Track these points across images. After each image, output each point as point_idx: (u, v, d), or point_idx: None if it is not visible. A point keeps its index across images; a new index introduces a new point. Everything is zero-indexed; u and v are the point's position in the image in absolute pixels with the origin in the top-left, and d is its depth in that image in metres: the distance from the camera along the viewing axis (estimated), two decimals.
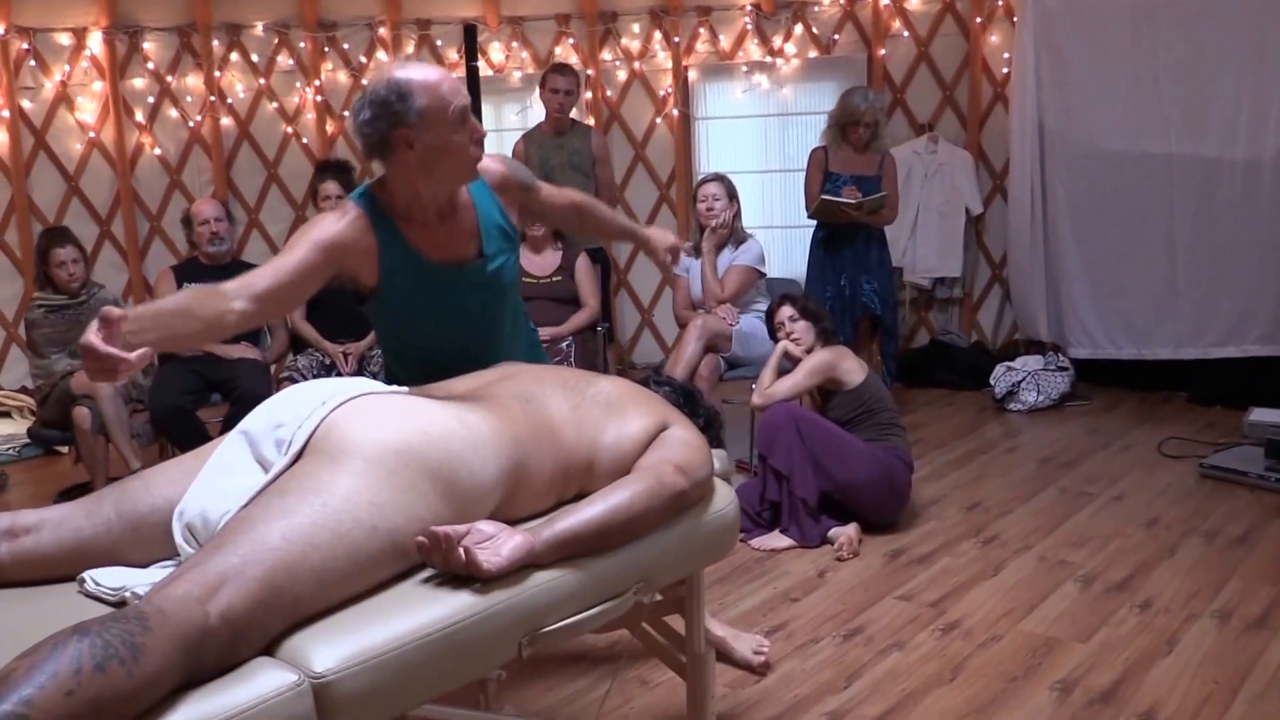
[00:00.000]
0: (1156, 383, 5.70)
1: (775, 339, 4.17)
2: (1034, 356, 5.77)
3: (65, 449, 4.94)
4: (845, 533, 3.73)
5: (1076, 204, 5.69)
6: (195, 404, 4.49)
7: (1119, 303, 5.65)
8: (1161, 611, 3.16)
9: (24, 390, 5.75)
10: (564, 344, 4.87)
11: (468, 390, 1.90)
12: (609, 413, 1.91)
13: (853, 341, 4.98)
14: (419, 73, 2.10)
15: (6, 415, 5.56)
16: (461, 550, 1.53)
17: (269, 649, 1.39)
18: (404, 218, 2.23)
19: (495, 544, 1.59)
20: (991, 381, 5.67)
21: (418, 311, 2.31)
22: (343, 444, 1.59)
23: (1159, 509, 4.01)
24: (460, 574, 1.54)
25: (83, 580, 1.59)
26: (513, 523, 1.69)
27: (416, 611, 1.49)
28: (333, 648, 1.39)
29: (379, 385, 1.83)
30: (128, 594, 1.51)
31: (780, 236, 6.51)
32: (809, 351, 4.06)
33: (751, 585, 3.50)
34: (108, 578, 1.58)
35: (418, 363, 2.34)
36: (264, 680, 1.31)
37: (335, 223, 2.18)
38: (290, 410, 1.71)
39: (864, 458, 3.77)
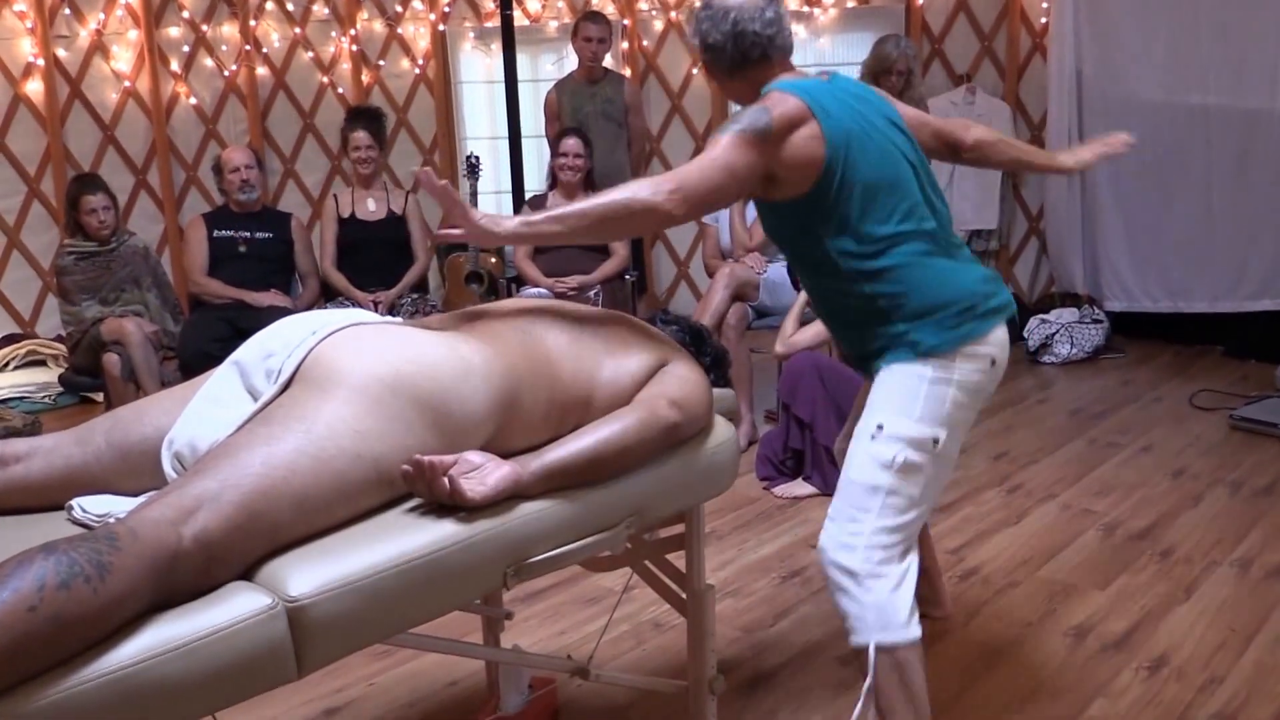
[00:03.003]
0: (1192, 336, 5.62)
1: (798, 289, 4.13)
2: (1069, 309, 5.69)
3: (97, 396, 5.02)
4: None
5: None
6: (224, 351, 4.46)
7: (1155, 255, 5.56)
8: (1182, 560, 3.12)
9: (59, 339, 5.85)
10: (592, 292, 4.86)
11: (466, 322, 1.89)
12: (609, 348, 1.89)
13: None
14: None
15: (42, 363, 5.63)
16: (446, 479, 1.52)
17: (247, 574, 1.39)
18: None
19: (481, 473, 1.58)
20: (1025, 334, 5.60)
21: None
22: (330, 372, 1.59)
23: (1186, 459, 3.96)
24: (446, 503, 1.54)
25: (71, 508, 1.60)
26: (507, 455, 1.67)
27: (398, 539, 1.48)
28: (310, 573, 1.38)
29: (371, 315, 1.82)
30: (112, 521, 1.52)
31: None
32: None
33: (772, 531, 3.50)
34: (95, 505, 1.58)
35: None
36: (237, 603, 1.31)
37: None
38: (281, 340, 1.70)
39: None
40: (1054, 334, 5.51)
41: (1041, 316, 5.66)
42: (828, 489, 3.74)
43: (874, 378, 2.08)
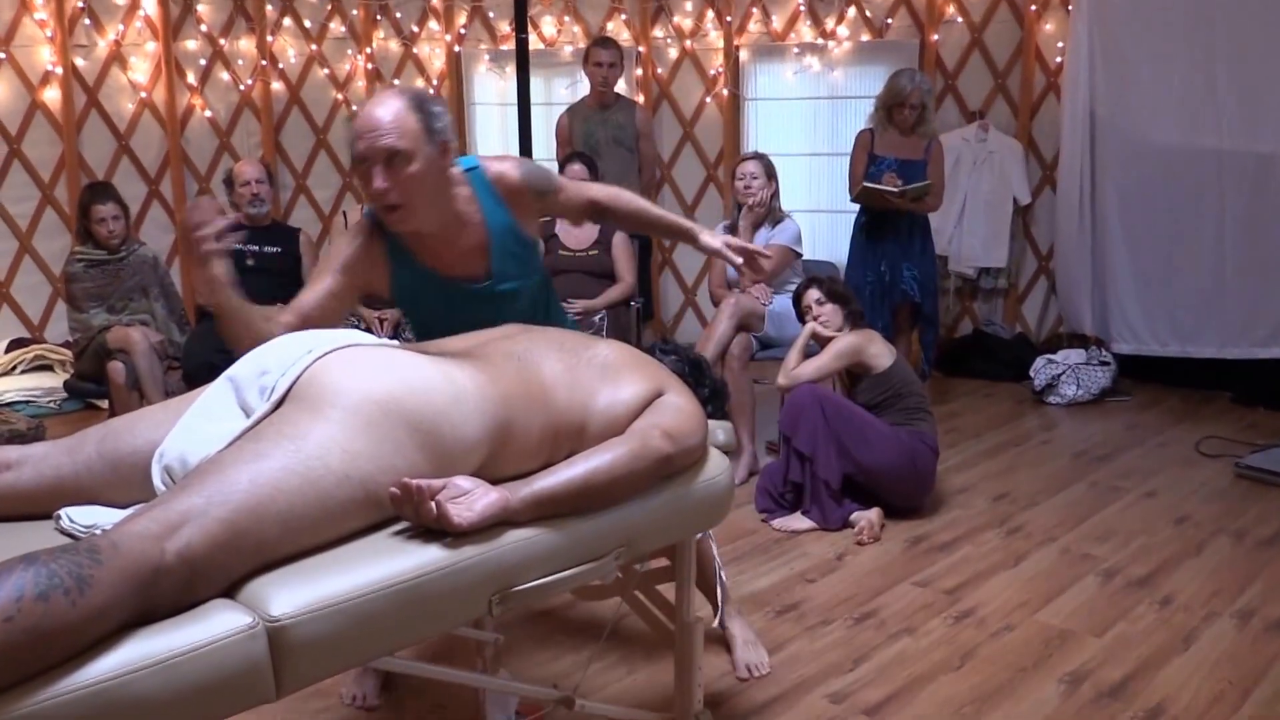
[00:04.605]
0: (1200, 381, 5.56)
1: (803, 321, 4.13)
2: (1076, 350, 5.66)
3: (102, 403, 5.02)
4: (867, 517, 3.69)
5: (1126, 197, 5.57)
6: (227, 362, 4.47)
7: (1165, 298, 5.53)
8: (1181, 609, 3.09)
9: (66, 345, 5.86)
10: (597, 318, 4.86)
11: (462, 347, 1.88)
12: (604, 376, 1.88)
13: (890, 329, 4.91)
14: (368, 103, 2.17)
15: (49, 368, 5.65)
16: (433, 503, 1.51)
17: (229, 591, 1.38)
18: (410, 235, 2.26)
19: (470, 499, 1.57)
20: (1031, 373, 5.57)
21: (432, 319, 2.34)
22: (323, 392, 1.58)
23: (1190, 507, 3.92)
24: (432, 527, 1.53)
25: (59, 517, 1.59)
26: (498, 481, 1.66)
27: (383, 562, 1.47)
28: (292, 593, 1.37)
29: (369, 337, 1.82)
30: (98, 532, 1.51)
31: (826, 220, 6.44)
32: (837, 333, 4.00)
33: (769, 565, 3.47)
34: (82, 516, 1.58)
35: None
36: (218, 621, 1.30)
37: (349, 245, 2.29)
38: (276, 358, 1.70)
39: (888, 441, 3.72)
40: (1060, 374, 5.48)
41: (1048, 356, 5.62)
42: (827, 523, 3.72)
43: None
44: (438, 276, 2.30)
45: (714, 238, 2.48)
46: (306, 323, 2.14)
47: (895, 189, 4.79)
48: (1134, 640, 2.90)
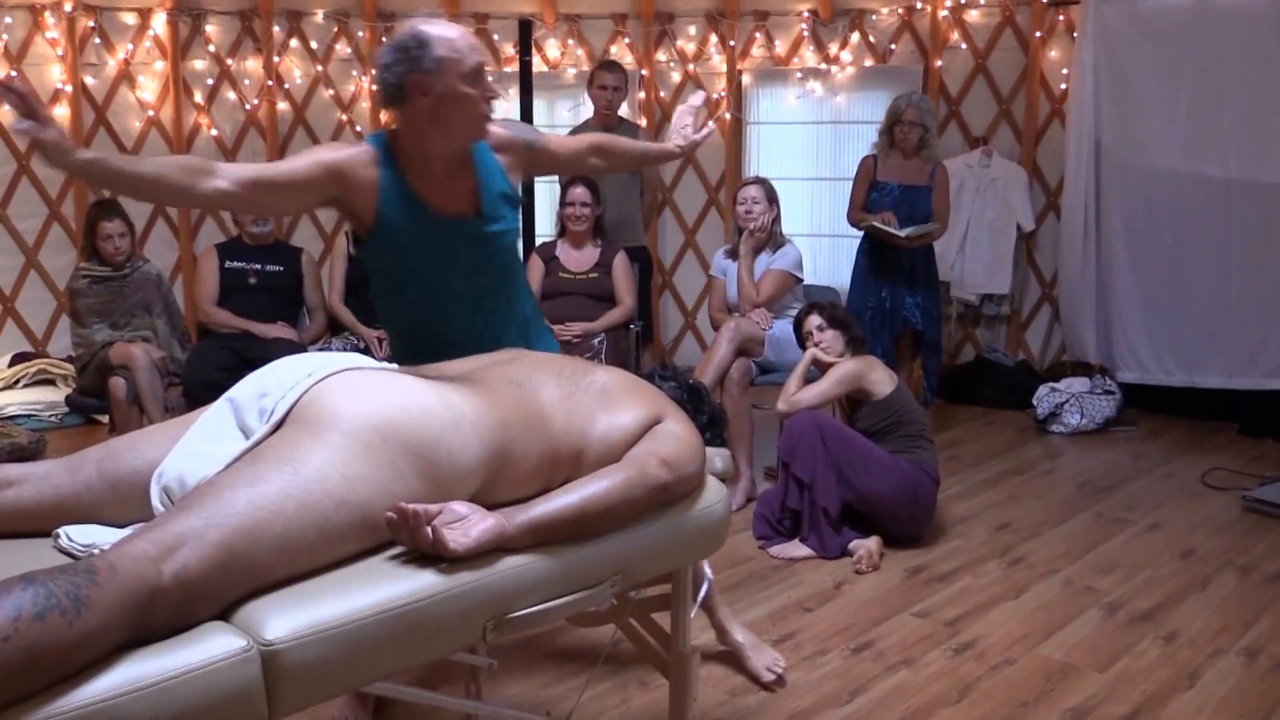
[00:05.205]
0: (1207, 411, 5.53)
1: (804, 347, 4.11)
2: (1080, 379, 5.64)
3: (103, 418, 5.02)
4: (865, 545, 3.67)
5: (1131, 225, 5.57)
6: (229, 380, 4.48)
7: (1171, 327, 5.51)
8: (1186, 644, 3.05)
9: (69, 360, 5.86)
10: (596, 340, 4.84)
11: (460, 372, 1.88)
12: (602, 403, 1.87)
13: (891, 355, 4.90)
14: (440, 27, 2.22)
15: (51, 383, 5.66)
16: (429, 529, 1.50)
17: (225, 614, 1.37)
18: (410, 165, 2.32)
19: (466, 525, 1.56)
20: (1034, 402, 5.55)
21: (410, 255, 2.37)
22: (322, 416, 1.58)
23: (1195, 540, 3.89)
24: (428, 553, 1.52)
25: (58, 536, 1.59)
26: (495, 507, 1.65)
27: (378, 587, 1.46)
28: (287, 617, 1.36)
29: (369, 361, 1.81)
30: (96, 552, 1.50)
31: (828, 245, 6.45)
32: (838, 359, 3.99)
33: (765, 593, 3.44)
34: (81, 535, 1.57)
35: (406, 319, 2.49)
36: (212, 644, 1.30)
37: (342, 149, 2.32)
38: (276, 380, 1.70)
39: (888, 469, 3.70)
40: (1064, 403, 5.45)
41: (1052, 385, 5.60)
42: (825, 551, 3.70)
43: None
44: (428, 209, 2.33)
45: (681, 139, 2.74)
46: (244, 191, 2.12)
47: (899, 232, 4.78)
48: (1138, 676, 2.86)
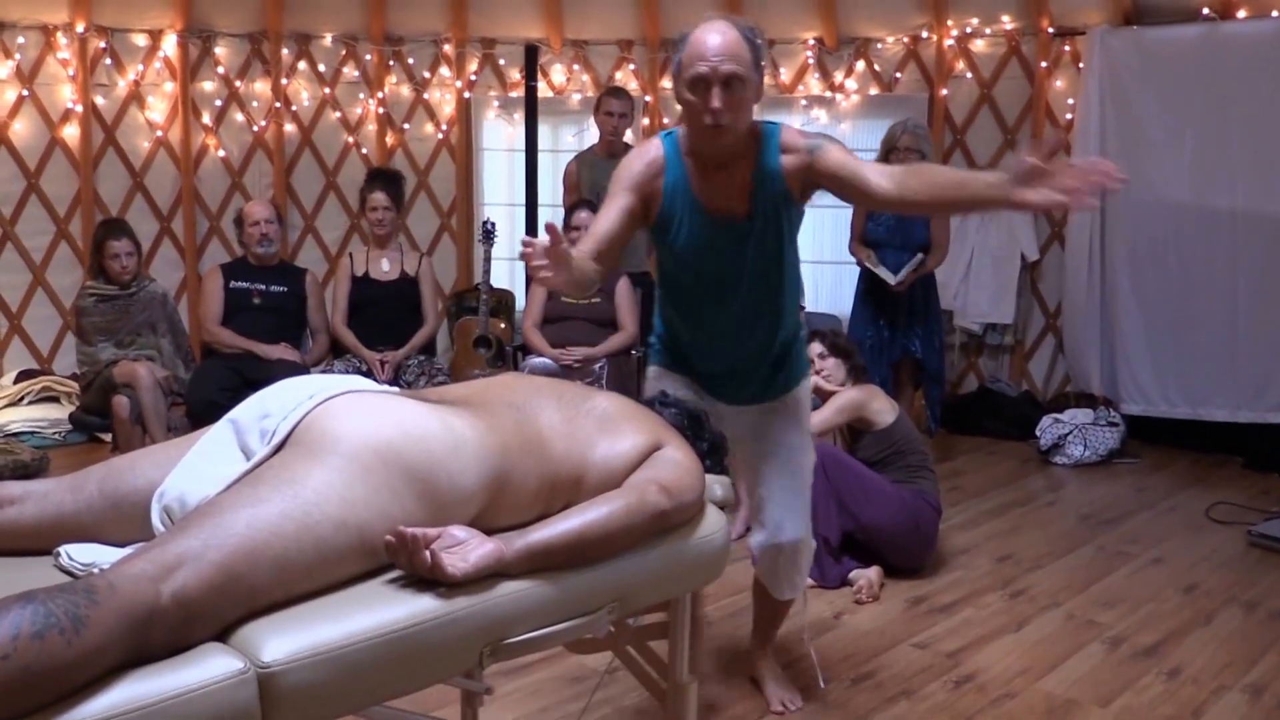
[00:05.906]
0: (1211, 445, 5.51)
1: None
2: (1084, 410, 5.62)
3: (106, 436, 5.02)
4: (866, 575, 3.65)
5: (1136, 256, 5.56)
6: (232, 400, 4.50)
7: (1176, 359, 5.49)
8: (1190, 681, 3.03)
9: (73, 377, 5.87)
10: (597, 366, 4.84)
11: (462, 396, 1.88)
12: (602, 428, 1.87)
13: (891, 384, 4.88)
14: (698, 28, 2.26)
15: (55, 400, 5.66)
16: (427, 553, 1.50)
17: (222, 635, 1.37)
18: (691, 159, 2.39)
19: (464, 549, 1.56)
20: (1037, 433, 5.53)
21: (679, 247, 2.44)
22: (323, 438, 1.58)
23: (1200, 574, 3.86)
24: (426, 577, 1.51)
25: (58, 554, 1.59)
26: (494, 532, 1.65)
27: (375, 611, 1.46)
28: (284, 639, 1.36)
29: (370, 383, 1.81)
30: (96, 571, 1.50)
31: (829, 272, 6.45)
32: (840, 387, 3.98)
33: None
34: (81, 554, 1.58)
35: (671, 308, 2.60)
36: (209, 665, 1.30)
37: (638, 164, 2.41)
38: (278, 402, 1.70)
39: (889, 499, 3.69)
40: (1067, 434, 5.43)
41: (1055, 416, 5.58)
42: (825, 581, 3.67)
43: (777, 398, 2.64)
44: (703, 206, 2.39)
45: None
46: (603, 244, 2.28)
47: (890, 279, 4.79)
48: (1140, 712, 2.84)
